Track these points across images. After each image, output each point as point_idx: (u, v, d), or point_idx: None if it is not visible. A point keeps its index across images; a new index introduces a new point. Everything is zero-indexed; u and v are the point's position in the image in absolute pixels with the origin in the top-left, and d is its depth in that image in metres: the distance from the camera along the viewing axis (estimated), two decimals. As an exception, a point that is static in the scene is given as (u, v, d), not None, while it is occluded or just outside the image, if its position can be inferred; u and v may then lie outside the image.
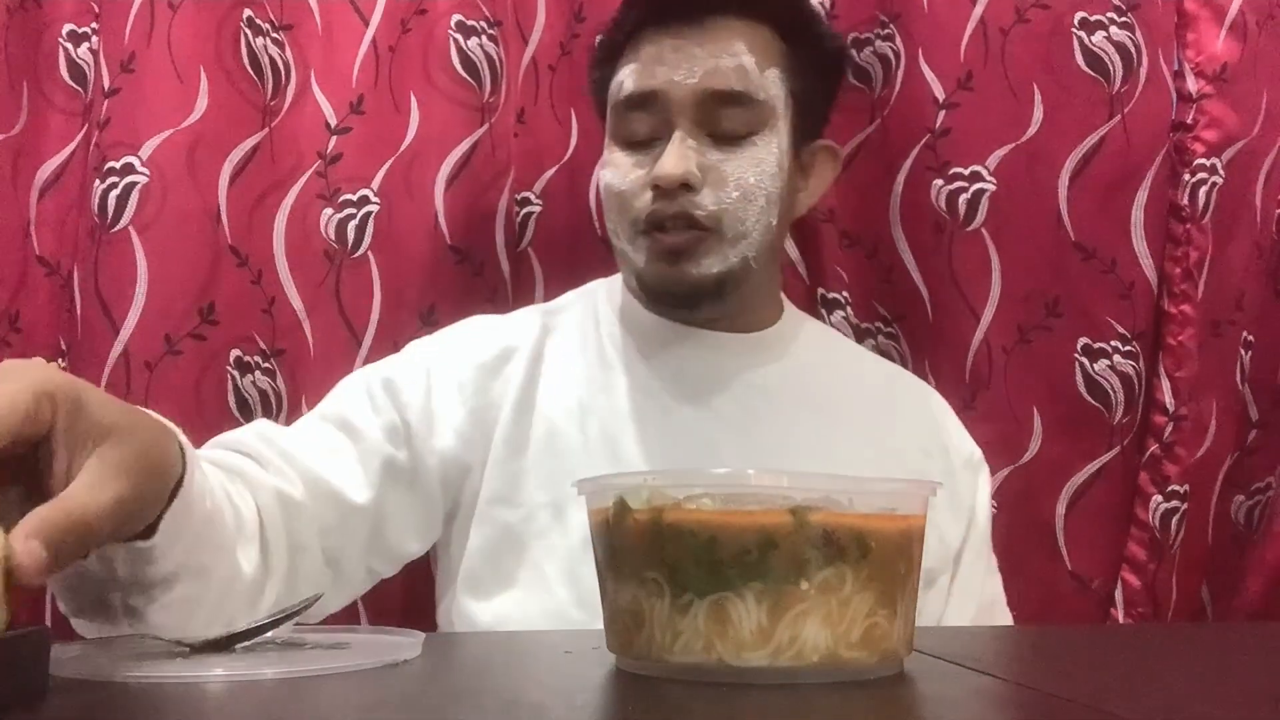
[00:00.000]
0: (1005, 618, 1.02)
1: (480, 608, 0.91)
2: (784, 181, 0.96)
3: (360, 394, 0.95)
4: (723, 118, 0.93)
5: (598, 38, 1.05)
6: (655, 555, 0.53)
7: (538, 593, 0.89)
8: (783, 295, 1.08)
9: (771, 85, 0.95)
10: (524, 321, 1.02)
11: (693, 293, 0.95)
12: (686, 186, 0.91)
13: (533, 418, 0.95)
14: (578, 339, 1.01)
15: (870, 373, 1.09)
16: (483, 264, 1.18)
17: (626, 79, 0.96)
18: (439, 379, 0.95)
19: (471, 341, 0.99)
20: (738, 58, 0.93)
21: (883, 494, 0.55)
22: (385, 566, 0.95)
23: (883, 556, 0.53)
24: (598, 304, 1.04)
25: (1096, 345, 1.16)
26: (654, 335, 1.00)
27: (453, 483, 0.94)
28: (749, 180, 0.93)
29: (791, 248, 1.19)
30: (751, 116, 0.94)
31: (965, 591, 0.99)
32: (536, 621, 0.88)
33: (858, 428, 1.00)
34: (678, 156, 0.91)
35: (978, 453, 1.06)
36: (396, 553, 0.94)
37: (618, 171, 0.96)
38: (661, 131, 0.94)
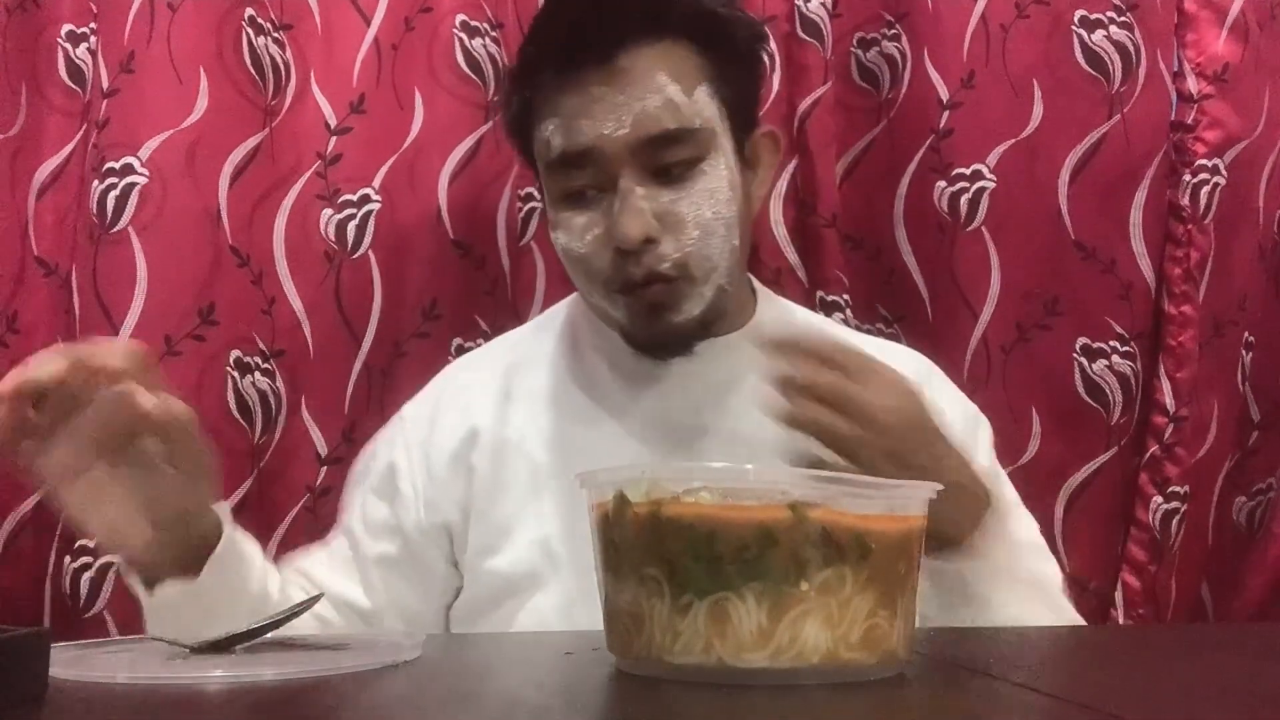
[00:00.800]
0: (1041, 560, 0.95)
1: None
2: (739, 197, 0.92)
3: (355, 505, 0.98)
4: (664, 157, 0.88)
5: (504, 91, 1.00)
6: (654, 550, 0.53)
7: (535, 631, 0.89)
8: (750, 278, 1.04)
9: (703, 106, 0.89)
10: (483, 389, 0.99)
11: (681, 338, 0.93)
12: (649, 240, 0.87)
13: (514, 462, 0.94)
14: (548, 374, 0.99)
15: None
16: (484, 258, 1.18)
17: (553, 137, 0.89)
18: (409, 476, 0.96)
19: (435, 436, 0.97)
20: (663, 92, 0.87)
21: (883, 497, 0.54)
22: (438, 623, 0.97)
23: (883, 558, 0.53)
24: (576, 329, 1.01)
25: (1095, 345, 1.16)
26: (637, 360, 0.98)
27: (444, 546, 0.95)
28: (705, 216, 0.89)
29: (792, 253, 1.19)
30: (693, 147, 0.89)
31: None
32: None
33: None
34: (633, 214, 0.87)
35: (971, 408, 1.02)
36: (439, 612, 0.96)
37: (571, 234, 0.91)
38: (604, 183, 0.89)
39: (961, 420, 1.01)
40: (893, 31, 1.20)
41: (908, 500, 0.56)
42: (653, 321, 0.91)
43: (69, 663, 0.54)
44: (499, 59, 1.18)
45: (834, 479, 0.53)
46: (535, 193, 1.21)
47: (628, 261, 0.88)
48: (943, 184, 1.16)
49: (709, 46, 0.91)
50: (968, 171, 1.16)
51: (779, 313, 1.05)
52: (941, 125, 1.16)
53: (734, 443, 0.93)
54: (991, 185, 1.15)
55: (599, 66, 0.87)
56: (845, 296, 1.19)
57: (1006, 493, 0.99)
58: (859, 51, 1.22)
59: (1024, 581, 0.84)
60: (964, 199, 1.16)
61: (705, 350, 0.96)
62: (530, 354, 1.01)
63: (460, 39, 1.17)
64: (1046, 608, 0.87)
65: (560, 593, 0.89)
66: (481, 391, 0.98)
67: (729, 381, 0.96)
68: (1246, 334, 1.22)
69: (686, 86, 0.88)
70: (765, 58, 1.07)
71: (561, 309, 1.05)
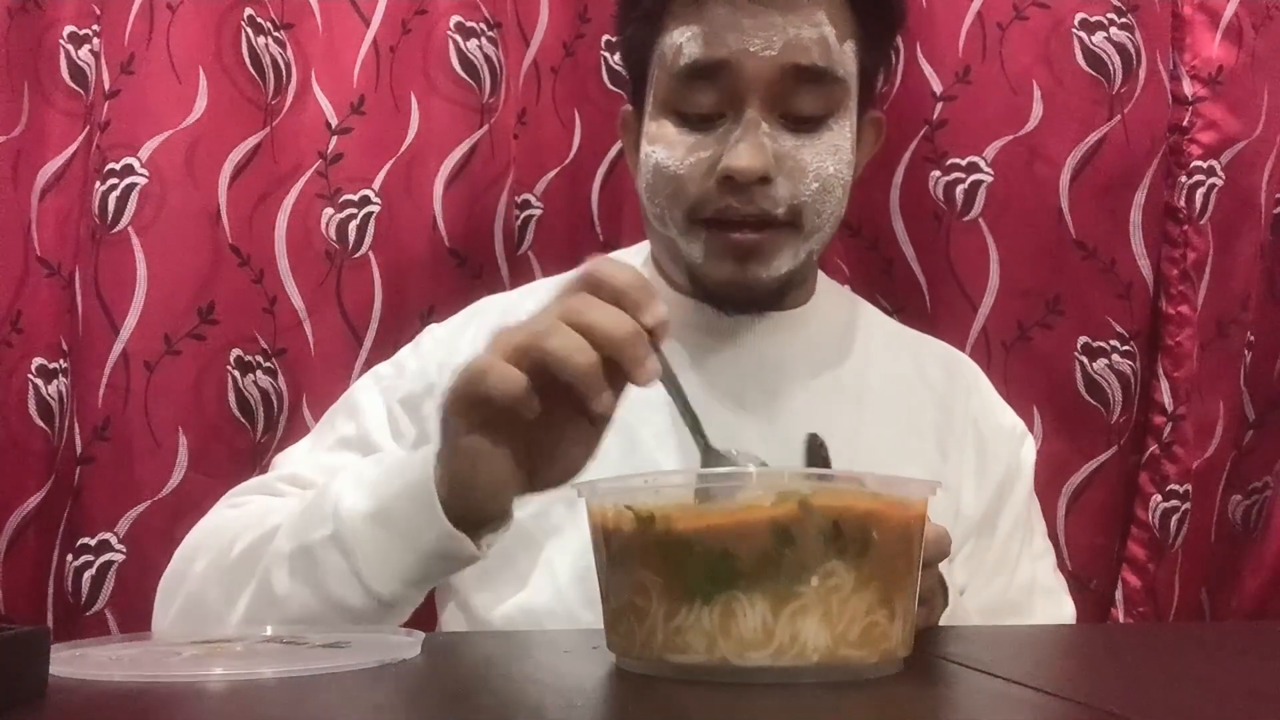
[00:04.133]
0: (1048, 608, 0.93)
1: (489, 604, 0.88)
2: (854, 165, 0.89)
3: (380, 414, 0.92)
4: (800, 97, 0.83)
5: None
6: (655, 555, 0.53)
7: (546, 593, 0.87)
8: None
9: (848, 60, 0.86)
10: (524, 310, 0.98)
11: (757, 295, 0.88)
12: (762, 179, 0.82)
13: None
14: None
15: (895, 341, 1.02)
16: (481, 267, 1.18)
17: (689, 44, 0.84)
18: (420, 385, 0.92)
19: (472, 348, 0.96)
20: (819, 28, 0.83)
21: (883, 486, 0.54)
22: None
23: (885, 551, 0.53)
24: None
25: (1096, 344, 1.16)
26: (677, 320, 0.96)
27: None
28: (828, 170, 0.84)
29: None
30: (830, 96, 0.84)
31: (992, 565, 0.92)
32: (544, 621, 0.86)
33: (882, 402, 0.94)
34: (754, 146, 0.81)
35: (1020, 425, 1.00)
36: None
37: (672, 151, 0.85)
38: (726, 107, 0.84)
39: (1009, 435, 0.99)
40: None
41: (908, 487, 0.56)
42: (736, 268, 0.86)
43: (69, 661, 0.54)
44: (496, 60, 1.18)
45: (834, 474, 0.54)
46: (532, 198, 1.21)
47: (734, 196, 0.83)
48: (937, 173, 1.17)
49: (866, 6, 0.88)
50: (963, 162, 1.16)
51: (838, 298, 1.02)
52: (935, 116, 1.17)
53: (774, 423, 0.89)
54: (989, 179, 1.16)
55: None
56: (846, 287, 1.19)
57: (1036, 533, 0.98)
58: None
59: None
60: (959, 189, 1.16)
61: (758, 324, 0.92)
62: None
63: (455, 41, 1.17)
64: None
65: (579, 542, 0.85)
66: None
67: (779, 362, 0.92)
68: (1248, 334, 1.22)
69: (840, 34, 0.85)
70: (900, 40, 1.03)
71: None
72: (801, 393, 0.92)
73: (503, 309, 0.98)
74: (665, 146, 0.86)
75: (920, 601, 0.70)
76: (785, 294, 0.92)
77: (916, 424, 0.95)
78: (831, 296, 1.01)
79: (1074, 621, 0.94)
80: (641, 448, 0.87)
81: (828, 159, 0.85)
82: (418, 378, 0.94)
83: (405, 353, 0.98)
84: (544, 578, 0.87)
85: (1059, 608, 0.95)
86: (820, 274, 1.02)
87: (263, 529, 0.78)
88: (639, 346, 0.61)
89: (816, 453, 0.74)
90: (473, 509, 0.69)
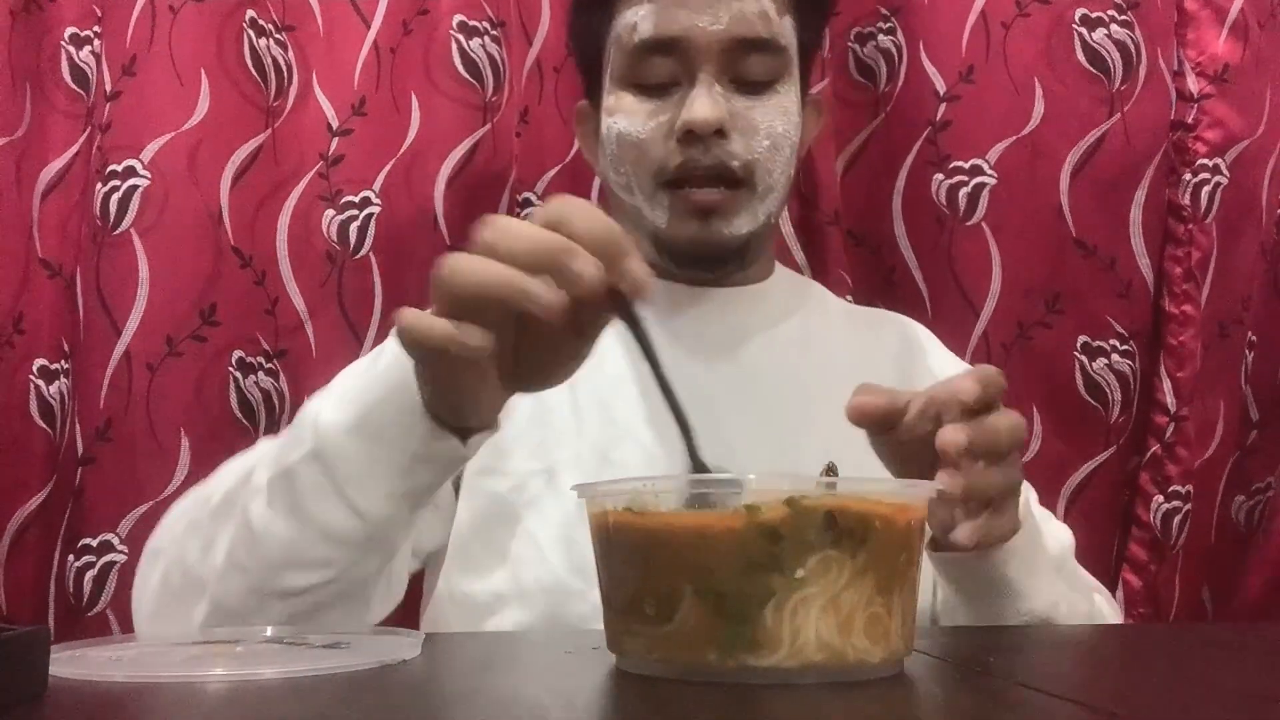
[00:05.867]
0: (1054, 529, 0.91)
1: (474, 585, 0.88)
2: (800, 133, 0.94)
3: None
4: (748, 65, 0.89)
5: None
6: (654, 556, 0.53)
7: (532, 564, 0.86)
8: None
9: (788, 32, 0.92)
10: None
11: (720, 254, 0.93)
12: (719, 133, 0.87)
13: None
14: None
15: (851, 316, 1.06)
16: (483, 265, 1.18)
17: (643, 22, 0.90)
18: None
19: None
20: (760, 3, 0.90)
21: (885, 491, 0.54)
22: (416, 562, 0.92)
23: (883, 544, 0.52)
24: None
25: (1095, 344, 1.16)
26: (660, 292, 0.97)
27: None
28: (778, 129, 0.90)
29: (798, 250, 1.19)
30: (775, 64, 0.91)
31: None
32: (534, 594, 0.85)
33: (841, 366, 0.96)
34: (710, 100, 0.87)
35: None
36: (427, 547, 0.91)
37: (632, 119, 0.91)
38: (680, 77, 0.90)
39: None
40: (888, 25, 1.20)
41: (909, 490, 0.56)
42: (700, 226, 0.90)
43: (69, 661, 0.54)
44: (499, 58, 1.18)
45: (836, 480, 0.54)
46: (534, 197, 1.21)
47: (694, 150, 0.88)
48: (940, 177, 1.17)
49: None
50: (966, 165, 1.16)
51: (795, 280, 1.06)
52: (938, 118, 1.17)
53: (740, 393, 0.92)
54: (992, 182, 1.16)
55: None
56: (849, 298, 1.19)
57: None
58: (856, 46, 1.22)
59: (1052, 565, 0.83)
60: (962, 193, 1.16)
61: (722, 297, 0.96)
62: None
63: (458, 40, 1.17)
64: (1069, 585, 0.85)
65: (560, 512, 0.86)
66: None
67: (741, 322, 0.96)
68: (1249, 334, 1.22)
69: (778, 9, 0.92)
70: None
71: None
72: (764, 342, 0.96)
73: None
74: (625, 115, 0.91)
75: (994, 505, 0.70)
76: (746, 261, 0.95)
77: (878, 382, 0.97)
78: (789, 278, 1.05)
79: (1070, 542, 0.93)
80: (619, 421, 0.89)
81: (777, 119, 0.90)
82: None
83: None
84: (528, 549, 0.87)
85: (1059, 529, 0.94)
86: (777, 264, 1.05)
87: (241, 473, 0.77)
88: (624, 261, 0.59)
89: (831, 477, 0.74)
90: (458, 413, 0.67)
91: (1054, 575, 0.82)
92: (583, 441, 0.91)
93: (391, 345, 0.71)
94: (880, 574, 0.52)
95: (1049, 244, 1.16)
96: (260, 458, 0.76)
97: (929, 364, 1.01)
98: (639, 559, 0.54)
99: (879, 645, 0.52)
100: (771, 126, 0.90)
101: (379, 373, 0.70)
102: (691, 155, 0.88)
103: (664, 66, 0.90)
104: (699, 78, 0.88)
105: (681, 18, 0.89)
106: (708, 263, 0.94)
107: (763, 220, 0.93)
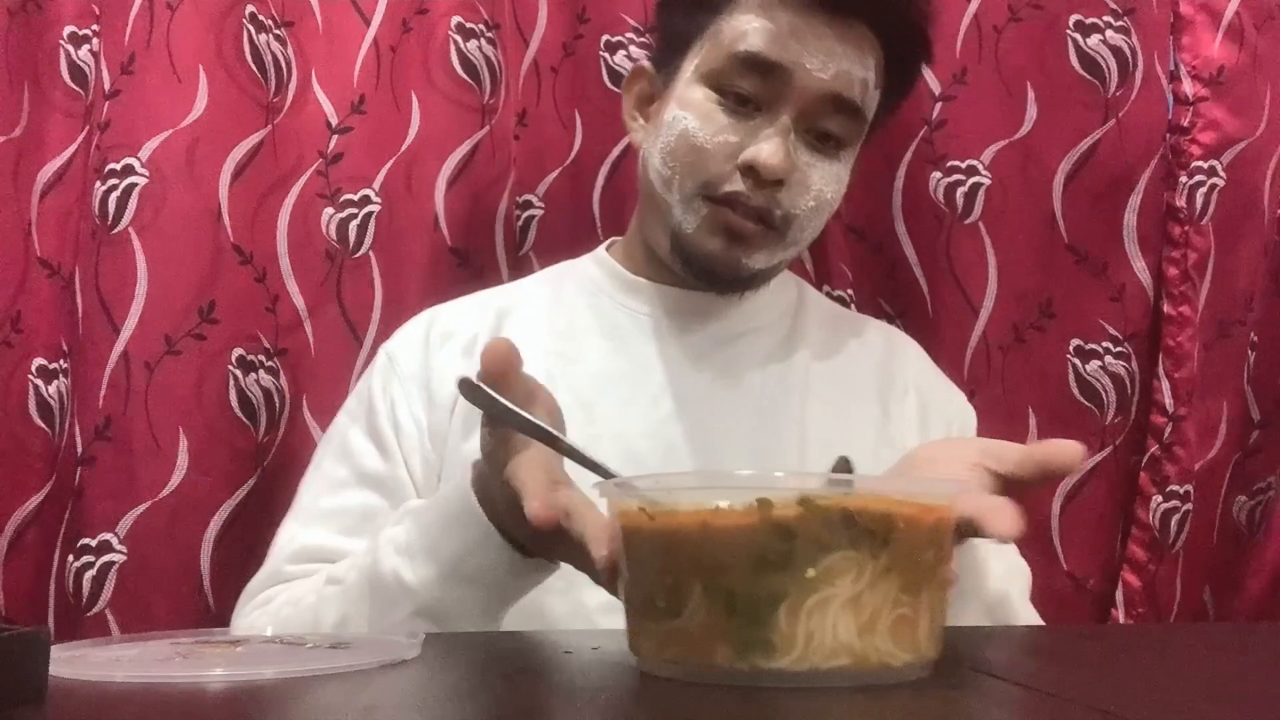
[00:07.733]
0: (1001, 555, 0.90)
1: None
2: (839, 199, 0.95)
3: (366, 445, 0.93)
4: (830, 122, 0.90)
5: None
6: (673, 555, 0.52)
7: None
8: None
9: (873, 105, 0.93)
10: (474, 311, 1.00)
11: (730, 277, 0.93)
12: (777, 181, 0.88)
13: None
14: (542, 315, 0.98)
15: (838, 318, 1.07)
16: (483, 268, 1.18)
17: (754, 34, 0.89)
18: (409, 409, 0.94)
19: (432, 361, 0.96)
20: (866, 70, 0.91)
21: (905, 488, 0.54)
22: None
23: (908, 543, 0.51)
24: (562, 283, 1.02)
25: (1088, 346, 1.16)
26: (640, 303, 0.98)
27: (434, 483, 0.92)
28: (826, 195, 0.92)
29: (802, 246, 1.20)
30: (853, 129, 0.92)
31: None
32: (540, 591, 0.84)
33: (828, 370, 0.99)
34: (784, 150, 0.87)
35: (961, 395, 1.05)
36: None
37: (705, 123, 0.89)
38: (764, 101, 0.89)
39: (949, 403, 1.02)
40: None
41: (929, 487, 0.55)
42: (724, 247, 0.90)
43: (69, 662, 0.54)
44: (495, 60, 1.18)
45: (857, 480, 0.53)
46: (534, 199, 1.21)
47: (748, 183, 0.88)
48: (938, 175, 1.17)
49: (899, 66, 0.95)
50: (962, 165, 1.17)
51: (787, 282, 1.06)
52: (934, 117, 1.17)
53: (726, 392, 0.94)
54: (987, 182, 1.16)
55: (833, 14, 0.89)
56: (850, 291, 1.19)
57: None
58: None
59: (983, 608, 0.84)
60: (959, 191, 1.17)
61: (720, 303, 0.97)
62: (522, 299, 1.01)
63: (455, 41, 1.17)
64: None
65: None
66: (478, 316, 0.98)
67: (730, 332, 0.98)
68: (1251, 334, 1.22)
69: (876, 81, 0.93)
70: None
71: (562, 267, 1.05)
72: (750, 342, 0.98)
73: (451, 315, 1.01)
74: (698, 117, 0.90)
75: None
76: (749, 289, 0.97)
77: (860, 385, 0.99)
78: (780, 279, 1.05)
79: (1027, 569, 0.93)
80: (599, 420, 0.91)
81: (829, 184, 0.92)
82: (382, 397, 0.95)
83: (364, 384, 0.99)
84: None
85: (1014, 567, 0.93)
86: None
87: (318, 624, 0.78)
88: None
89: (844, 472, 0.75)
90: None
91: (982, 618, 0.83)
92: (569, 436, 0.90)
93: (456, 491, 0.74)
94: (906, 574, 0.51)
95: (1042, 247, 1.17)
96: (335, 614, 0.77)
97: (909, 374, 1.02)
98: (654, 555, 0.54)
99: (905, 648, 0.51)
100: (822, 191, 0.91)
101: (431, 508, 0.75)
102: (744, 188, 0.89)
103: (754, 85, 0.89)
104: (781, 117, 0.88)
105: (792, 49, 0.88)
106: (715, 279, 0.95)
107: (777, 263, 0.95)
